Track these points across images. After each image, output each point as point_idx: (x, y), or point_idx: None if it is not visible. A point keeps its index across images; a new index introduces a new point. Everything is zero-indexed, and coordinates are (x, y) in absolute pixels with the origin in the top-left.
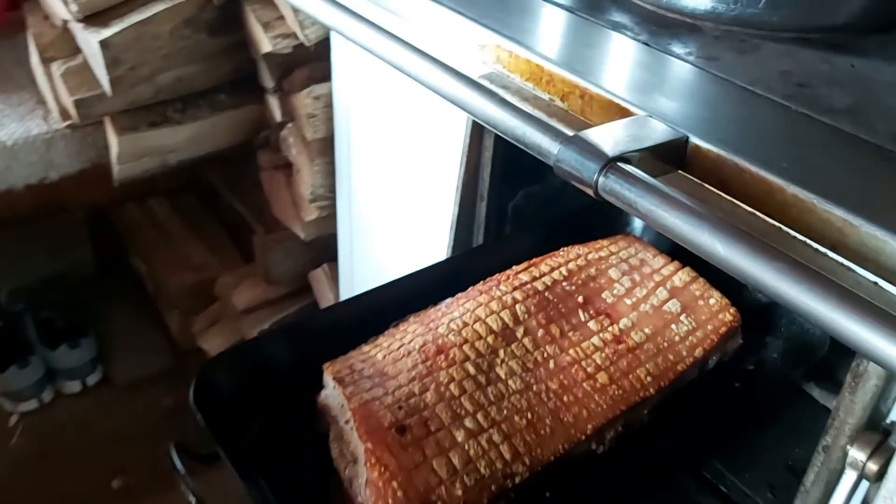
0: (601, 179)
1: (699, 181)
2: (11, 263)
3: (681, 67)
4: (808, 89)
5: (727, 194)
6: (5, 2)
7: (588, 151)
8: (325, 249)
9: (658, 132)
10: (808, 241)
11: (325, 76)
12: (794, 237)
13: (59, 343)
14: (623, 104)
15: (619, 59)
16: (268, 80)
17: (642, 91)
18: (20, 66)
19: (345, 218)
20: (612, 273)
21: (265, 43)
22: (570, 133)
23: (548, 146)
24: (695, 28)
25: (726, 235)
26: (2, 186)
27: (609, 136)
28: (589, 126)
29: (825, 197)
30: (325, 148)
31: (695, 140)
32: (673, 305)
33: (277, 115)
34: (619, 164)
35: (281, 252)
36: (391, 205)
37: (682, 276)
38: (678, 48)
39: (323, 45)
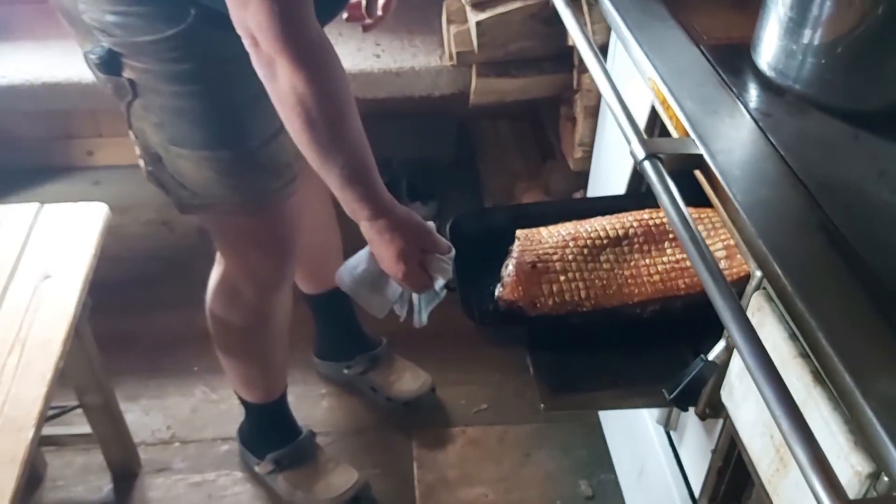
0: (644, 163)
1: (707, 187)
2: (403, 142)
3: (742, 113)
4: (808, 150)
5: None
6: None
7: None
8: (583, 179)
9: (689, 147)
10: None
11: None
12: None
13: (416, 200)
14: (684, 122)
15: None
16: (575, 60)
17: (702, 118)
18: (437, 16)
19: (595, 162)
20: (700, 227)
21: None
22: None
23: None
24: (778, 90)
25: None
26: (408, 93)
27: (660, 144)
28: (667, 136)
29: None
30: (594, 112)
31: (709, 161)
32: (720, 252)
33: (574, 85)
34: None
35: (559, 175)
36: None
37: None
38: (750, 98)
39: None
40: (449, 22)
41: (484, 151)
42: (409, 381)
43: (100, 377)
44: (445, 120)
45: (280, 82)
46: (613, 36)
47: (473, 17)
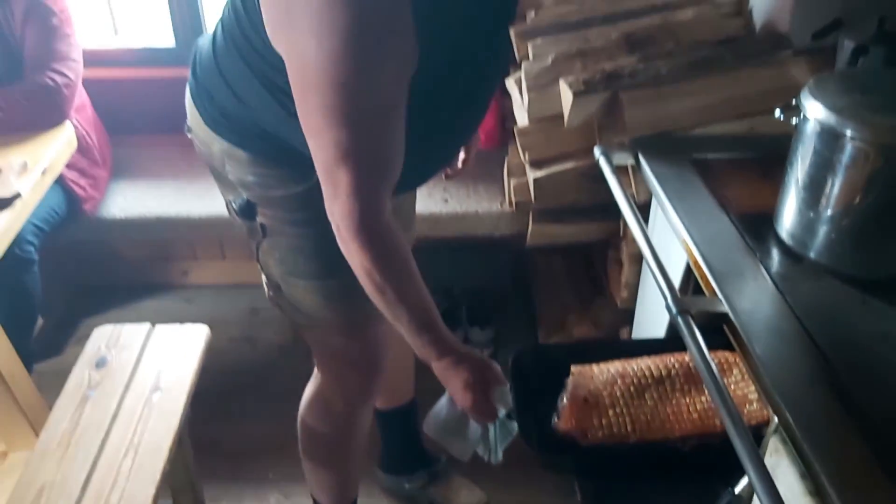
0: (677, 318)
1: (732, 340)
2: (463, 271)
3: (764, 276)
4: (821, 312)
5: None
6: (498, 135)
7: (676, 304)
8: (629, 316)
9: (716, 305)
10: None
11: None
12: None
13: (475, 325)
14: (712, 283)
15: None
16: None
17: (728, 280)
18: (499, 168)
19: (640, 302)
20: (735, 370)
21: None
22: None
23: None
24: (796, 256)
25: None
26: (471, 234)
27: (691, 301)
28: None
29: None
30: (639, 259)
31: (733, 319)
32: (752, 395)
33: (620, 232)
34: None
35: (607, 311)
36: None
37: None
38: (771, 262)
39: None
40: (510, 175)
41: (538, 283)
42: (465, 497)
43: (194, 480)
44: (503, 252)
45: (354, 260)
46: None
47: (532, 174)
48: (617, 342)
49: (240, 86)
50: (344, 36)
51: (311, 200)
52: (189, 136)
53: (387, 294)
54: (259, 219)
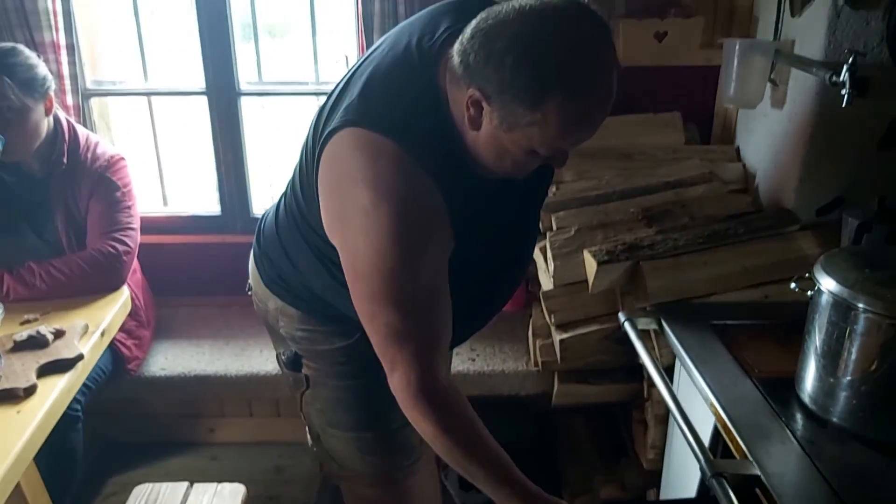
0: (712, 481)
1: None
2: (489, 429)
3: (791, 440)
4: (848, 475)
5: None
6: (522, 298)
7: (710, 467)
8: (656, 477)
9: (748, 468)
10: None
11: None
12: None
13: None
14: (742, 446)
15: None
16: (645, 373)
17: (758, 443)
18: (524, 329)
19: (667, 463)
20: None
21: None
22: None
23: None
24: (819, 420)
25: None
26: (497, 392)
27: (724, 464)
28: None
29: None
30: (664, 420)
31: (766, 482)
32: None
33: (644, 394)
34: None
35: (633, 472)
36: (681, 462)
37: None
38: (797, 426)
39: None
40: (535, 336)
41: (562, 442)
42: None
43: None
44: (527, 411)
45: (419, 427)
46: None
47: (557, 336)
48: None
49: (296, 255)
50: (388, 231)
51: (352, 356)
52: (249, 293)
53: (455, 454)
54: (304, 370)
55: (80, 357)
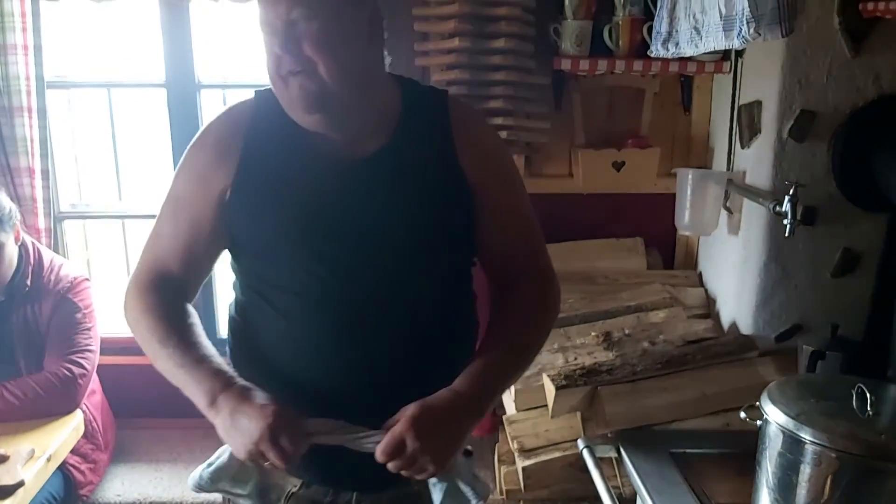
0: None
1: None
2: None
3: None
4: None
5: None
6: (490, 422)
7: None
8: None
9: None
10: None
11: None
12: None
13: None
14: None
15: None
16: None
17: None
18: (491, 454)
19: None
20: None
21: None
22: None
23: None
24: None
25: None
26: None
27: None
28: None
29: None
30: None
31: None
32: None
33: None
34: None
35: None
36: None
37: None
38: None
39: None
40: (500, 462)
41: None
42: None
43: None
44: None
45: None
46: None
47: (520, 462)
48: None
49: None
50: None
51: None
52: None
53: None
54: None
55: (20, 484)
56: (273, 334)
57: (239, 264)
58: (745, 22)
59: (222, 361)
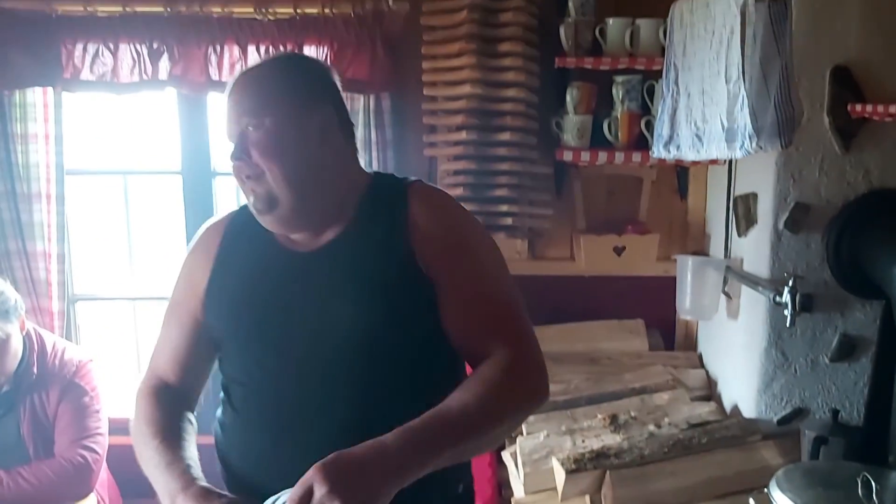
0: None
1: None
2: None
3: None
4: None
5: None
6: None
7: None
8: None
9: None
10: None
11: None
12: None
13: None
14: None
15: None
16: None
17: None
18: None
19: None
20: None
21: None
22: None
23: None
24: None
25: None
26: None
27: None
28: None
29: None
30: None
31: None
32: None
33: None
34: None
35: None
36: None
37: None
38: None
39: None
40: None
41: None
42: None
43: None
44: None
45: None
46: None
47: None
48: None
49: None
50: None
51: None
52: None
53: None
54: None
55: None
56: (229, 429)
57: (218, 362)
58: (747, 136)
59: (194, 464)
